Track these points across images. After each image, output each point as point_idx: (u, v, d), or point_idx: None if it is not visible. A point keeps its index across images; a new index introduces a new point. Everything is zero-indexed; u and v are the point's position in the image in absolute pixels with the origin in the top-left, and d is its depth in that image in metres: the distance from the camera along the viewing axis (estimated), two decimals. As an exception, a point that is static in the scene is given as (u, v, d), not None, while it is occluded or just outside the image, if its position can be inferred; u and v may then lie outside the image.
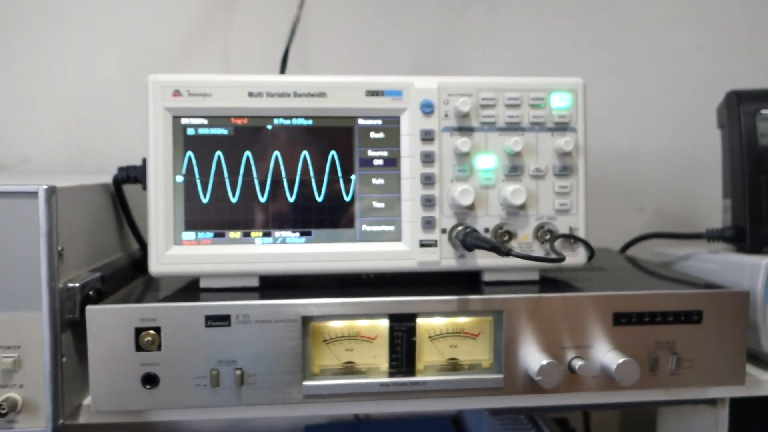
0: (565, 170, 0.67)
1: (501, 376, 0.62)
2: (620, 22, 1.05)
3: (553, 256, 0.63)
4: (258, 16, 0.99)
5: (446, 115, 0.66)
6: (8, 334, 0.56)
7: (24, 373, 0.57)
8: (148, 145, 0.63)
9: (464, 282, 0.69)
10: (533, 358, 0.61)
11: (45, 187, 0.56)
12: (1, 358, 0.56)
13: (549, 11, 1.04)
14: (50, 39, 0.96)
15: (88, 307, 0.58)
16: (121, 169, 0.71)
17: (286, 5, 0.97)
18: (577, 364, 0.61)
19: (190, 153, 0.64)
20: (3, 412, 0.55)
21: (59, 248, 0.58)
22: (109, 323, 0.58)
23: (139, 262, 0.81)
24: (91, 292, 0.62)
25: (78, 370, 0.62)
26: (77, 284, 0.60)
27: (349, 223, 0.66)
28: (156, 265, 0.63)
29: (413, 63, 1.02)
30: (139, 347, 0.59)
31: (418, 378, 0.62)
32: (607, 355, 0.62)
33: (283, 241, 0.65)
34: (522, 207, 0.66)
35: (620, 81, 1.05)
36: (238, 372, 0.59)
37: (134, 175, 0.71)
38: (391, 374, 0.62)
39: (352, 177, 0.66)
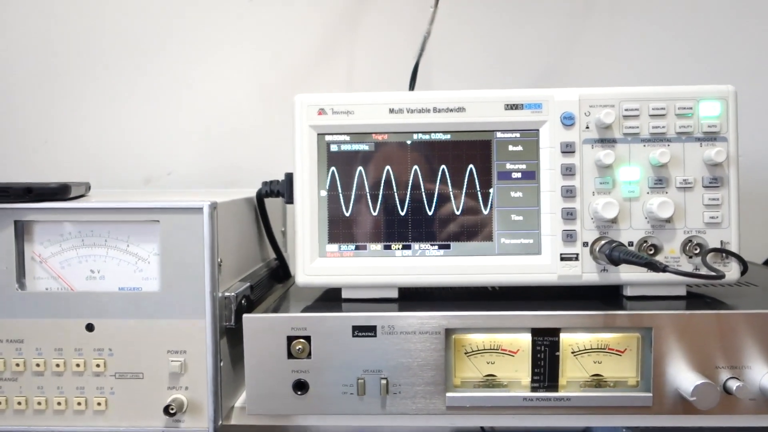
0: (715, 181, 0.64)
1: (650, 394, 0.60)
2: (754, 20, 0.99)
3: (705, 271, 0.61)
4: (378, 34, 1.02)
5: (587, 127, 0.65)
6: (177, 340, 0.61)
7: (189, 376, 0.61)
8: (294, 162, 0.67)
9: (601, 296, 0.68)
10: (685, 377, 0.59)
11: (209, 203, 0.60)
12: (170, 361, 0.61)
13: (679, 13, 1.00)
14: (189, 64, 1.03)
15: (245, 316, 0.62)
16: (264, 183, 0.75)
17: (404, 23, 0.99)
18: (734, 385, 0.58)
19: (333, 168, 0.67)
20: (172, 411, 0.60)
21: (219, 260, 0.62)
22: (263, 331, 0.61)
23: (275, 272, 0.85)
24: (243, 301, 0.66)
25: (230, 374, 0.66)
26: (233, 293, 0.64)
27: (488, 237, 0.66)
28: (302, 276, 0.66)
29: (534, 74, 1.01)
30: (290, 355, 0.61)
31: (562, 393, 0.61)
32: (767, 377, 0.59)
33: (423, 254, 0.66)
34: (669, 220, 0.64)
35: (762, 82, 0.99)
36: (384, 381, 0.61)
37: (277, 189, 0.74)
38: (533, 389, 0.62)
39: (491, 190, 0.66)
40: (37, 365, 0.61)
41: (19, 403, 0.62)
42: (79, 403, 0.61)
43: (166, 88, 1.03)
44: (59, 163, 1.05)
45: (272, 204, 0.85)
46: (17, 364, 0.61)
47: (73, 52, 1.03)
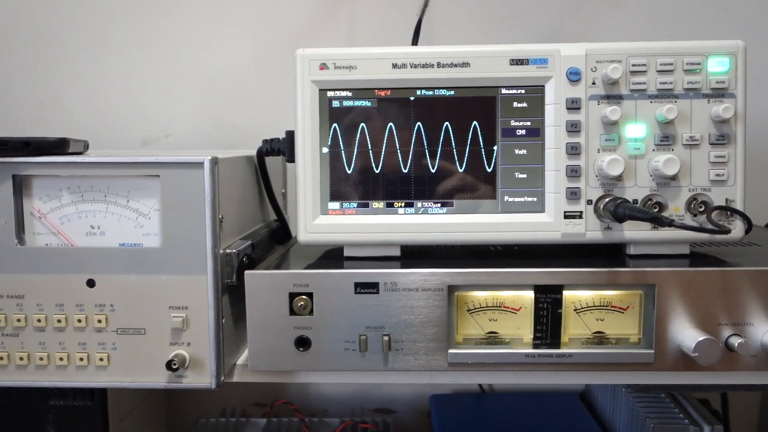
0: (722, 138, 0.63)
1: (652, 351, 0.60)
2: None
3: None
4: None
5: (593, 83, 0.63)
6: (178, 296, 0.61)
7: (191, 332, 0.61)
8: (295, 118, 0.66)
9: (604, 254, 0.68)
10: (688, 334, 0.59)
11: (209, 158, 0.59)
12: (172, 317, 0.61)
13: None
14: (187, 24, 1.01)
15: (247, 272, 0.61)
16: (265, 141, 0.74)
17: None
18: (736, 341, 0.58)
19: (335, 125, 0.66)
20: (174, 367, 0.60)
21: (220, 216, 0.61)
22: (265, 288, 0.61)
23: (276, 233, 0.85)
24: (244, 259, 0.65)
25: (233, 332, 0.66)
26: (234, 250, 0.63)
27: (491, 194, 0.66)
28: (304, 234, 0.66)
29: (539, 31, 0.99)
30: (292, 311, 0.61)
31: (564, 350, 0.61)
32: (769, 334, 0.59)
33: (425, 212, 0.66)
34: (674, 177, 0.63)
35: None
36: (386, 338, 0.61)
37: (277, 147, 0.73)
38: (535, 346, 0.62)
39: (494, 147, 0.65)
40: (39, 321, 0.61)
41: (21, 359, 0.62)
42: (81, 359, 0.61)
43: (163, 48, 1.01)
44: (55, 125, 1.03)
45: (272, 167, 0.84)
46: (18, 320, 0.61)
47: (68, 12, 1.01)
